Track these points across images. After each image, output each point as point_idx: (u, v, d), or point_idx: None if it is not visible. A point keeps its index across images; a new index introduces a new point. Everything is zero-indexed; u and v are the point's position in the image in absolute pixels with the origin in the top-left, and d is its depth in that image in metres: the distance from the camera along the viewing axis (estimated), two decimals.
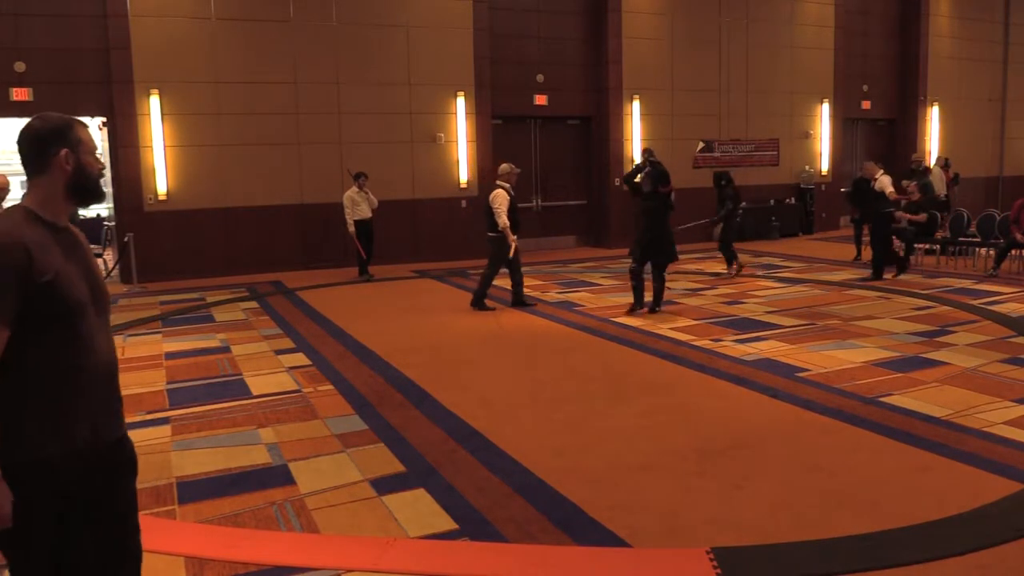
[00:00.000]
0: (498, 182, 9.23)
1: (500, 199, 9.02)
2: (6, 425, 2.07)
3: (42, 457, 2.09)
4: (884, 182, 10.78)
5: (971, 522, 3.66)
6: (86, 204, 2.36)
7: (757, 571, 3.32)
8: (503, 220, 8.94)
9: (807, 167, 17.76)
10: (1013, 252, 11.18)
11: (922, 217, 12.05)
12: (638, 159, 15.39)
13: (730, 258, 11.71)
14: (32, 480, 2.08)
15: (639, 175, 12.57)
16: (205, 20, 12.35)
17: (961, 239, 12.41)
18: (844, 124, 18.49)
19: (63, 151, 2.18)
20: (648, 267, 8.83)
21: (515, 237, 9.07)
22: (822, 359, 6.66)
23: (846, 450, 4.62)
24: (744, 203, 15.84)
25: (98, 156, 2.32)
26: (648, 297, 8.86)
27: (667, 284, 10.91)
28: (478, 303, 9.27)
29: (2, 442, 2.06)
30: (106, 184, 13.78)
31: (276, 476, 4.38)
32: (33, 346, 2.07)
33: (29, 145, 2.20)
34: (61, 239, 2.18)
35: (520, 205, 15.10)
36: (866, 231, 12.72)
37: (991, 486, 4.03)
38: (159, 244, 12.12)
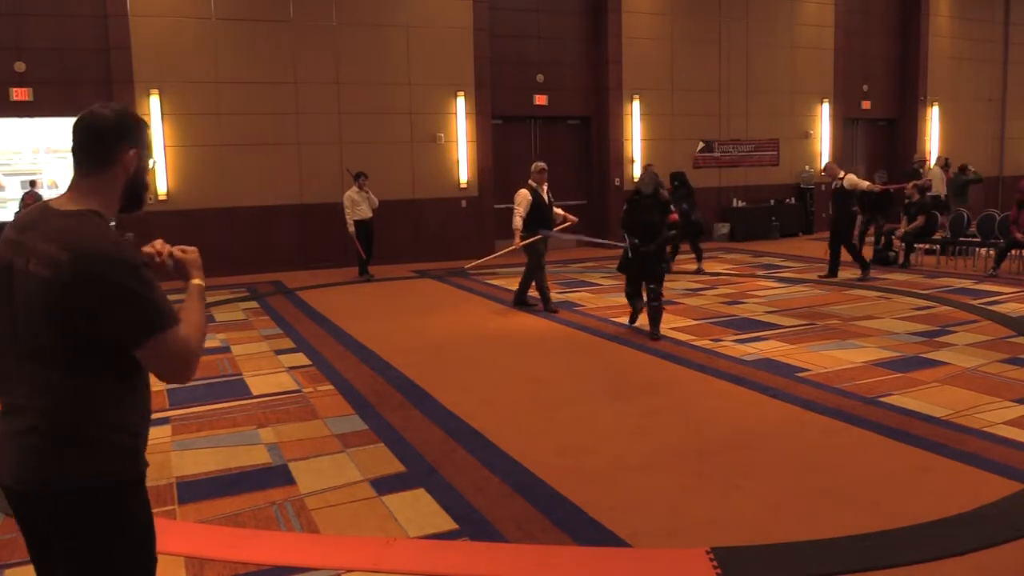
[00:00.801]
0: (530, 180, 9.07)
1: (519, 197, 8.94)
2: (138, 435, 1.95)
3: (142, 472, 1.99)
4: (853, 179, 10.71)
5: (971, 522, 3.66)
6: (129, 212, 2.07)
7: (757, 571, 3.32)
8: (515, 220, 8.87)
9: (807, 167, 17.75)
10: (1013, 252, 11.18)
11: (920, 221, 12.05)
12: (638, 160, 15.41)
13: (699, 255, 12.13)
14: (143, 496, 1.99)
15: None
16: (205, 20, 12.35)
17: (961, 239, 12.42)
18: (844, 124, 18.49)
19: (133, 150, 1.96)
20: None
21: (537, 236, 8.85)
22: (822, 359, 6.66)
23: (846, 450, 4.62)
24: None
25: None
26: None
27: (667, 284, 10.97)
28: (546, 305, 9.06)
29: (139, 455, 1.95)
30: None
31: (276, 476, 4.38)
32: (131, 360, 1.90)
33: (96, 136, 1.92)
34: None
35: None
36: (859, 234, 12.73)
37: (991, 486, 4.03)
38: None
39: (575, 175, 15.91)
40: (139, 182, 2.02)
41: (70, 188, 1.95)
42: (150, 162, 2.07)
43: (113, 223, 2.00)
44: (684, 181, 12.09)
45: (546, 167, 9.23)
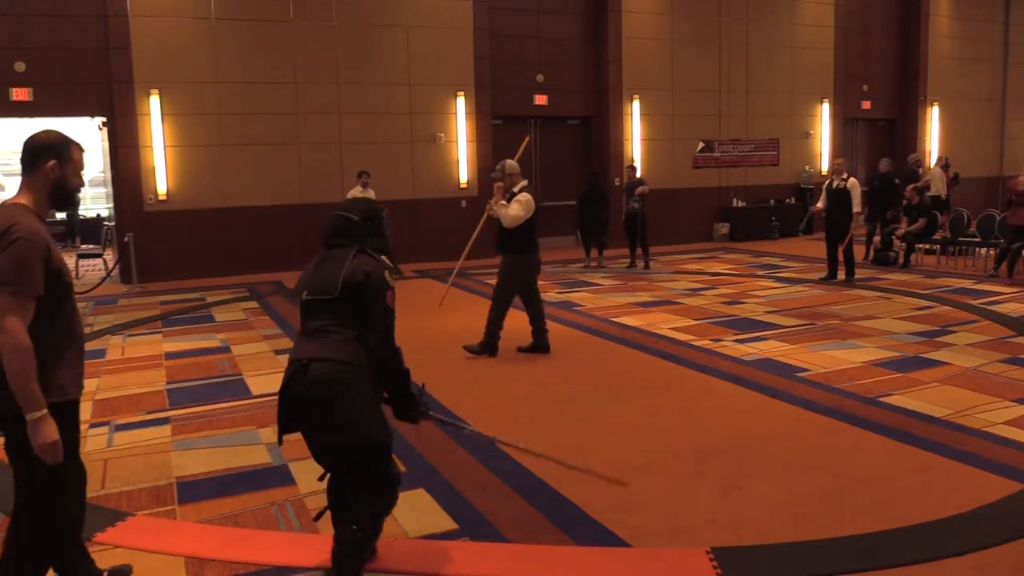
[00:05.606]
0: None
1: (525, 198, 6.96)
2: (44, 375, 2.63)
3: (73, 399, 2.80)
4: (855, 184, 10.67)
5: (971, 522, 3.66)
6: (60, 210, 2.99)
7: (757, 571, 3.32)
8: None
9: (807, 167, 17.76)
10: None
11: (920, 223, 12.05)
12: (638, 160, 15.40)
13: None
14: (71, 412, 2.80)
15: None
16: (205, 20, 12.35)
17: (961, 239, 12.42)
18: (844, 124, 18.49)
19: (52, 162, 2.74)
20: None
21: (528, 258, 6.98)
22: (822, 359, 6.66)
23: (846, 450, 4.62)
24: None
25: (81, 175, 2.87)
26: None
27: (667, 284, 10.88)
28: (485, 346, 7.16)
29: (44, 389, 2.61)
30: (106, 184, 13.81)
31: (276, 476, 4.38)
32: (56, 316, 2.73)
33: (24, 151, 2.73)
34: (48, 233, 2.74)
35: None
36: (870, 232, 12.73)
37: (991, 486, 4.03)
38: (159, 244, 12.12)
39: (575, 175, 15.90)
40: (62, 186, 2.78)
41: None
42: (81, 177, 2.85)
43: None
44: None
45: (498, 172, 7.13)
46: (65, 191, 2.79)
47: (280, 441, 3.14)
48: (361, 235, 3.14)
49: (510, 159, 7.26)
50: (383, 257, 3.17)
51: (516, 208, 6.82)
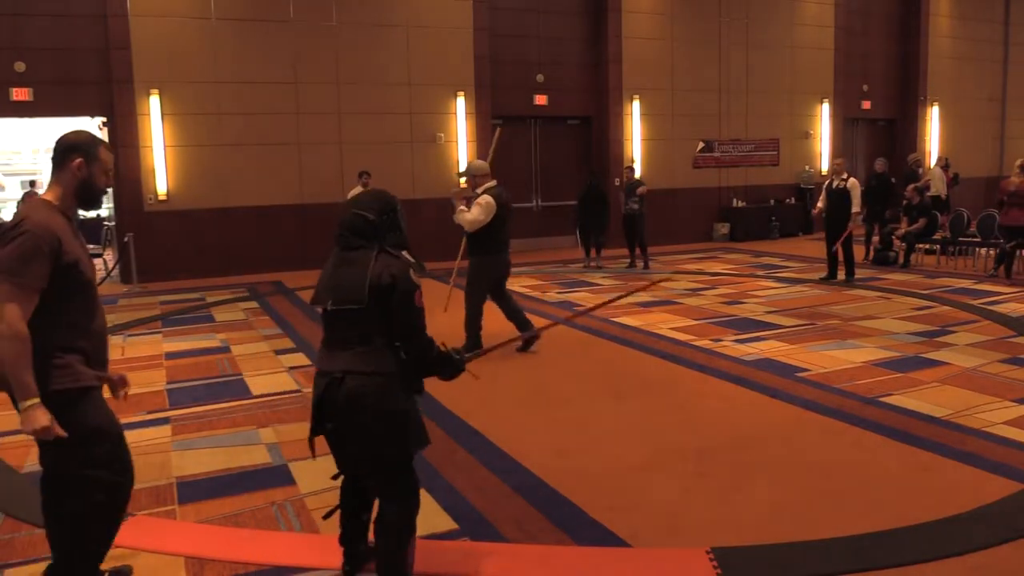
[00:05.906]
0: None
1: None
2: (50, 363, 2.69)
3: (85, 385, 2.79)
4: (856, 185, 10.67)
5: (971, 522, 3.66)
6: (87, 208, 2.98)
7: (757, 571, 3.32)
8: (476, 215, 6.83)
9: (807, 167, 17.76)
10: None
11: (920, 223, 12.05)
12: (638, 160, 15.40)
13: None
14: (81, 400, 2.78)
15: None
16: (205, 20, 12.35)
17: (961, 239, 12.42)
18: (844, 124, 18.49)
19: (79, 160, 2.83)
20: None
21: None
22: (822, 359, 6.66)
23: (846, 450, 4.62)
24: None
25: (108, 175, 2.93)
26: None
27: (667, 284, 10.85)
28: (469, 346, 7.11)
29: (45, 375, 2.67)
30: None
31: (276, 476, 4.38)
32: (68, 310, 2.76)
33: (55, 149, 2.86)
34: (73, 228, 2.84)
35: (520, 205, 15.29)
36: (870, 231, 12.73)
37: (991, 486, 4.03)
38: (159, 244, 12.12)
39: (575, 175, 15.90)
40: (89, 185, 2.86)
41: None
42: (109, 176, 2.92)
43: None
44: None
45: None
46: (92, 190, 2.88)
47: (312, 452, 3.16)
48: (379, 234, 3.04)
49: (480, 159, 7.20)
50: (404, 253, 3.07)
51: (475, 212, 6.73)
